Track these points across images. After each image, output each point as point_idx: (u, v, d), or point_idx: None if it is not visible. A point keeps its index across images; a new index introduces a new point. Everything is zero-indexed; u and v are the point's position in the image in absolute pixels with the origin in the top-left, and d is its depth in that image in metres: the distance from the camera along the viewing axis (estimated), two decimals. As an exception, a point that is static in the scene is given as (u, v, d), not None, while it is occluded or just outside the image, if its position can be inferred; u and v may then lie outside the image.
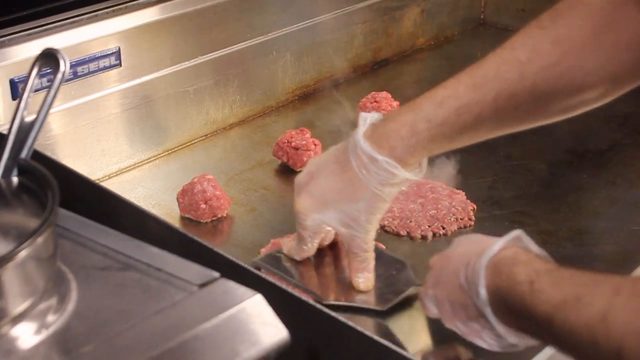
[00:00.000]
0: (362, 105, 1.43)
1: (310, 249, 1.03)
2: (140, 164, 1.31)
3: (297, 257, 1.05)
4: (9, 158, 0.70)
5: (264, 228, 1.17)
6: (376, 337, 0.74)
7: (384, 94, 1.44)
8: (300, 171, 1.26)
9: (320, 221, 1.00)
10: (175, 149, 1.35)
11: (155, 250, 0.69)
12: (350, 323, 0.75)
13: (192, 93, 1.37)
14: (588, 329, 0.71)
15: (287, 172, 1.29)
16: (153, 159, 1.33)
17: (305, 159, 1.28)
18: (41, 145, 1.17)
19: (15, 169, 0.70)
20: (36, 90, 0.73)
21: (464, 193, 1.22)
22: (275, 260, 1.06)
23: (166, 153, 1.34)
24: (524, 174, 1.30)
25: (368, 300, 1.00)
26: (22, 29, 1.19)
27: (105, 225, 0.72)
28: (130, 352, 0.59)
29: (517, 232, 0.85)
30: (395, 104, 1.43)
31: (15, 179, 0.69)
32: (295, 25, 1.50)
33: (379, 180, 0.95)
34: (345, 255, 1.03)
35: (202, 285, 0.65)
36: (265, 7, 1.44)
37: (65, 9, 1.25)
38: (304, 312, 0.77)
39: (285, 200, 1.22)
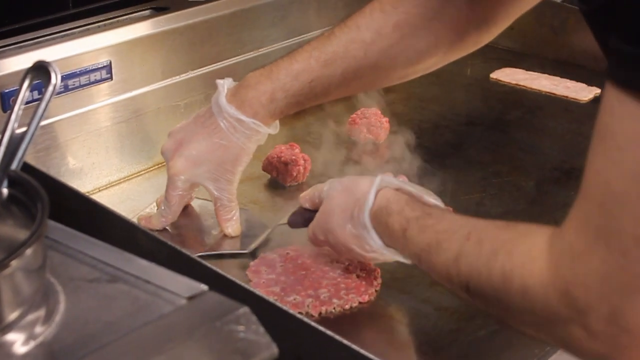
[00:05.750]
0: (352, 120, 1.44)
1: (174, 213, 1.15)
2: (130, 177, 1.32)
3: (158, 226, 1.15)
4: (-1, 170, 0.70)
5: (253, 242, 1.17)
6: (363, 351, 0.74)
7: (374, 110, 1.45)
8: (290, 186, 1.29)
9: (192, 180, 1.13)
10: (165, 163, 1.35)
11: (143, 262, 0.69)
12: (337, 336, 0.76)
13: (183, 107, 1.37)
14: (445, 268, 0.87)
15: (276, 187, 1.30)
16: (143, 172, 1.33)
17: (294, 174, 1.29)
18: (31, 158, 1.18)
19: (5, 180, 0.70)
20: (27, 103, 0.73)
21: (452, 209, 1.22)
22: None
23: (156, 167, 1.35)
24: (512, 190, 1.30)
25: (233, 246, 1.14)
26: (13, 41, 1.20)
27: (95, 237, 0.73)
28: (118, 364, 0.60)
29: (379, 178, 1.00)
30: (384, 120, 1.43)
31: (5, 191, 0.69)
32: (286, 41, 1.51)
33: (246, 137, 1.12)
34: (214, 208, 1.15)
35: (190, 298, 0.66)
36: (256, 23, 1.45)
37: (57, 23, 1.26)
38: (291, 324, 0.77)
39: (274, 214, 1.22)
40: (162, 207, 1.15)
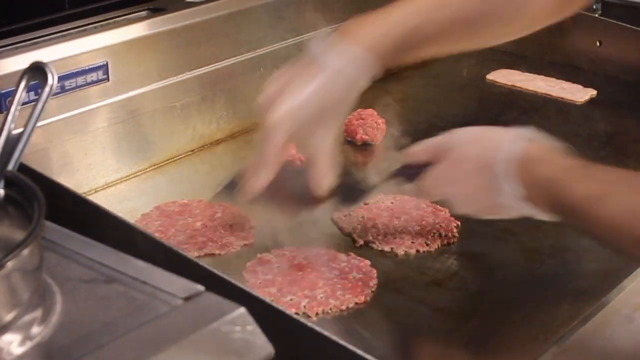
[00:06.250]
0: (348, 122, 1.44)
1: (271, 170, 1.04)
2: (127, 178, 1.32)
3: (257, 187, 1.05)
4: (-4, 170, 0.70)
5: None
6: (359, 351, 0.75)
7: (370, 111, 1.45)
8: (286, 187, 1.28)
9: (291, 131, 1.02)
10: (162, 164, 1.36)
11: (140, 263, 0.70)
12: (334, 337, 0.76)
13: (179, 108, 1.37)
14: (623, 219, 0.85)
15: (272, 187, 1.30)
16: (140, 173, 1.33)
17: (291, 175, 1.28)
18: (28, 158, 1.17)
19: (2, 181, 0.70)
20: (24, 104, 0.73)
21: (447, 210, 1.23)
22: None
23: (153, 168, 1.35)
24: (508, 191, 1.30)
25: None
26: (9, 42, 1.20)
27: (91, 238, 0.73)
28: (115, 364, 0.60)
29: (527, 131, 0.96)
30: (380, 121, 1.44)
31: (1, 191, 0.69)
32: (282, 42, 1.51)
33: (350, 82, 1.02)
34: (307, 165, 1.07)
35: (187, 299, 0.66)
36: (253, 24, 1.45)
37: (53, 24, 1.26)
38: (287, 325, 0.77)
39: (270, 214, 1.22)
40: (257, 167, 1.05)
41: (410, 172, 1.07)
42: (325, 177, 1.06)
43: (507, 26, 1.12)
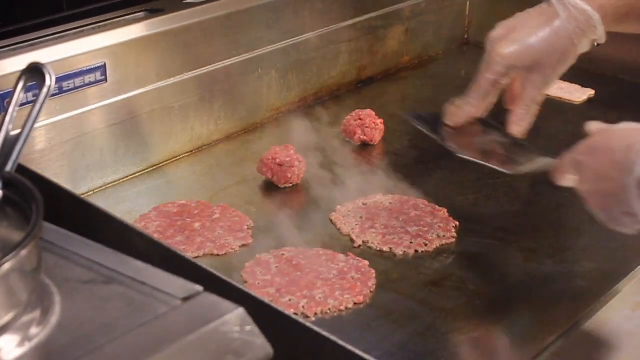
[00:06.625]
0: (347, 122, 1.44)
1: (483, 101, 1.12)
2: (125, 179, 1.32)
3: (465, 117, 1.13)
4: (-6, 171, 0.70)
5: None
6: (358, 351, 0.75)
7: (368, 111, 1.45)
8: (285, 187, 1.29)
9: (512, 66, 1.10)
10: (160, 165, 1.36)
11: (139, 264, 0.70)
12: (332, 337, 0.76)
13: (177, 109, 1.37)
14: None
15: (271, 188, 1.30)
16: (138, 174, 1.33)
17: (289, 175, 1.29)
18: (26, 159, 1.18)
19: (0, 182, 0.70)
20: (21, 105, 0.73)
21: (446, 210, 1.23)
22: (431, 118, 1.17)
23: (151, 169, 1.35)
24: (507, 191, 1.31)
25: (500, 164, 1.11)
26: (8, 43, 1.20)
27: (90, 239, 0.73)
28: (113, 365, 0.60)
29: None
30: (379, 121, 1.44)
31: (0, 192, 0.69)
32: (280, 43, 1.51)
33: (580, 31, 1.08)
34: (514, 102, 1.13)
35: (186, 299, 0.66)
36: (251, 25, 1.45)
37: (51, 25, 1.26)
38: (286, 325, 0.77)
39: (268, 216, 1.22)
40: (471, 95, 1.12)
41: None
42: (522, 121, 1.12)
43: None
